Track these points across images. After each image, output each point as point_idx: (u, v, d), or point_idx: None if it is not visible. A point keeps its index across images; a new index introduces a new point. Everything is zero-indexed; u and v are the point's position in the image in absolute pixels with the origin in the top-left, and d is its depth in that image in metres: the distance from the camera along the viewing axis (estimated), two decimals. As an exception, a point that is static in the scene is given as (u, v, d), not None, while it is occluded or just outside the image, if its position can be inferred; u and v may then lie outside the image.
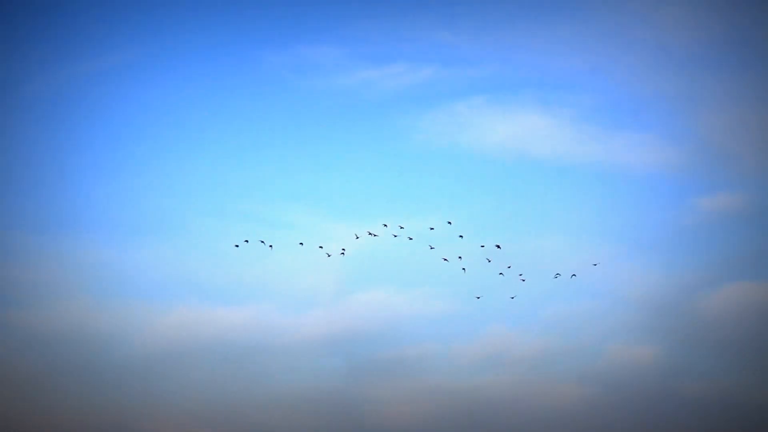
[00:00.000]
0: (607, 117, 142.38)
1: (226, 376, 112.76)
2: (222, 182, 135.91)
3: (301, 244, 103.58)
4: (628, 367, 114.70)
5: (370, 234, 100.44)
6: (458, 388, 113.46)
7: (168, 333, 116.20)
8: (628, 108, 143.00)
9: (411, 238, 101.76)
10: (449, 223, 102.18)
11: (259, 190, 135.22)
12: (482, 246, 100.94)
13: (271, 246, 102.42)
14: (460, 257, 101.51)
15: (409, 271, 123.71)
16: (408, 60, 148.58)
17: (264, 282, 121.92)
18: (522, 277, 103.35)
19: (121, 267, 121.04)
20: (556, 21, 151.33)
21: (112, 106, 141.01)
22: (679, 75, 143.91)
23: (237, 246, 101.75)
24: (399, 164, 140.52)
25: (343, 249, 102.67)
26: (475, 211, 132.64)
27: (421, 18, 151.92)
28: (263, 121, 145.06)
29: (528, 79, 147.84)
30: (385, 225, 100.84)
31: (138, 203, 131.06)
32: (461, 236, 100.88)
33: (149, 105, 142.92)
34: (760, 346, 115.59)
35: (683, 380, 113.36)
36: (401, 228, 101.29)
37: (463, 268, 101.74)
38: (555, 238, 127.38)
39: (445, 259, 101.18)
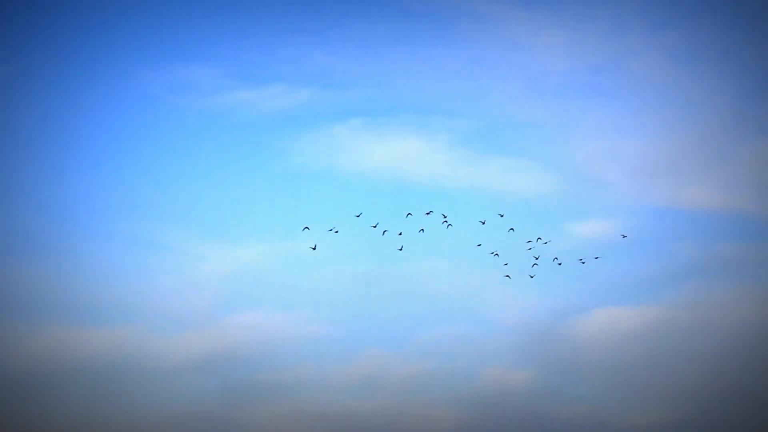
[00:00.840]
0: (483, 142, 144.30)
1: (97, 397, 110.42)
2: (95, 201, 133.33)
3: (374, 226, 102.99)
4: (502, 391, 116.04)
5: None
6: (334, 411, 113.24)
7: (37, 354, 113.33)
8: (504, 133, 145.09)
9: (450, 225, 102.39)
10: (501, 215, 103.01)
11: (134, 210, 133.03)
12: (532, 243, 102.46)
13: (337, 231, 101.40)
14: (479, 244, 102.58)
15: (285, 293, 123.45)
16: (286, 82, 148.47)
17: (137, 302, 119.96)
18: (558, 261, 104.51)
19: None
20: (433, 46, 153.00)
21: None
22: (554, 102, 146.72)
23: (314, 248, 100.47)
24: (277, 185, 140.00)
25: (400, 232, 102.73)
26: (354, 233, 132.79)
27: (299, 40, 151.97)
28: (140, 141, 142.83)
29: (405, 103, 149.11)
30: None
31: (5, 222, 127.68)
32: (512, 229, 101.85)
33: (21, 121, 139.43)
34: (628, 369, 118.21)
35: (556, 403, 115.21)
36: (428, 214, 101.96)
37: (507, 276, 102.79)
38: (431, 261, 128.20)
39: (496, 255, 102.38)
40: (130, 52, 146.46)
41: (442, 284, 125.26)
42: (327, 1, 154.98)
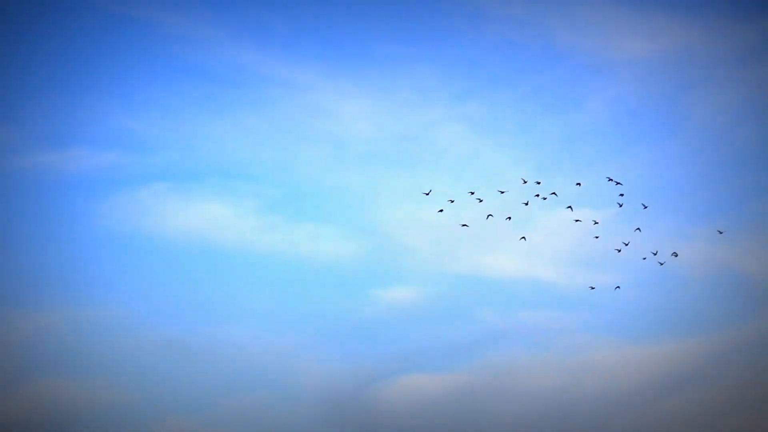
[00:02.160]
0: (290, 207, 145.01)
1: None
2: None
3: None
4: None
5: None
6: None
7: None
8: (311, 199, 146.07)
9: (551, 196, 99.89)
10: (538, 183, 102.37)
11: None
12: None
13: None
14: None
15: (82, 360, 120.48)
16: (88, 144, 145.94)
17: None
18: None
19: None
20: (239, 111, 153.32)
21: None
22: (360, 169, 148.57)
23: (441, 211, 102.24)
24: (79, 249, 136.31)
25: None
26: (157, 298, 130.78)
27: (101, 102, 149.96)
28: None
29: (211, 167, 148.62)
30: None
31: None
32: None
33: None
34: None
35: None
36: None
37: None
38: (236, 327, 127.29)
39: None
40: None
41: (247, 349, 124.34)
42: (130, 63, 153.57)
